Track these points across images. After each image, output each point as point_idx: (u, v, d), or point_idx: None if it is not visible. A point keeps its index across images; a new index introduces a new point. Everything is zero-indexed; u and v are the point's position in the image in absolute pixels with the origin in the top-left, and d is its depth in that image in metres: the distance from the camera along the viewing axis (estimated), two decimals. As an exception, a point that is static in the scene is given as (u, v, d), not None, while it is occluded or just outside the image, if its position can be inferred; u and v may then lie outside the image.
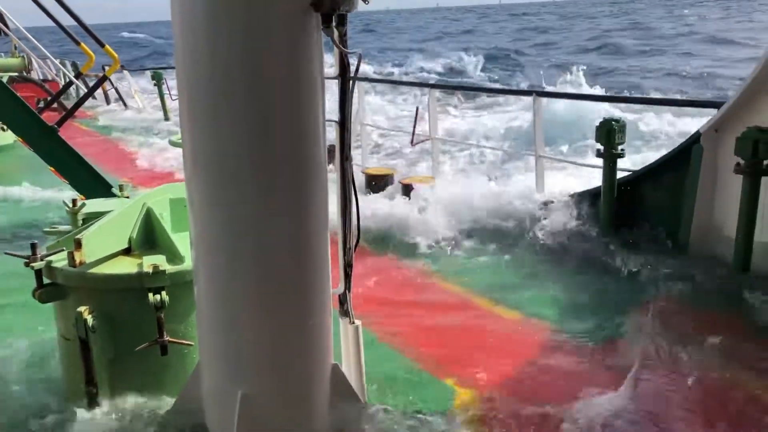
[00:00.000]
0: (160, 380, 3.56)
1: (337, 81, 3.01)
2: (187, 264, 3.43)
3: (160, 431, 3.33)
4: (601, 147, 6.06)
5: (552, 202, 6.74)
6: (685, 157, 5.85)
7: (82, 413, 3.57)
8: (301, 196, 2.87)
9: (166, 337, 3.37)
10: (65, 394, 3.83)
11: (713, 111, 5.66)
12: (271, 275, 2.91)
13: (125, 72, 21.07)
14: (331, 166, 3.05)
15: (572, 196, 6.69)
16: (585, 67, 22.11)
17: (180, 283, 3.40)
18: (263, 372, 2.99)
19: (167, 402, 3.43)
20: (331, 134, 3.05)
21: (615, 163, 6.08)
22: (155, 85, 17.99)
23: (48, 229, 4.05)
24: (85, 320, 3.31)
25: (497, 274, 5.93)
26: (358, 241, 3.37)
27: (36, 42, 10.88)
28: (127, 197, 4.34)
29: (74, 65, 20.77)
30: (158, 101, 18.75)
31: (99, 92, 18.73)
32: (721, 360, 4.15)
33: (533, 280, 5.72)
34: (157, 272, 3.32)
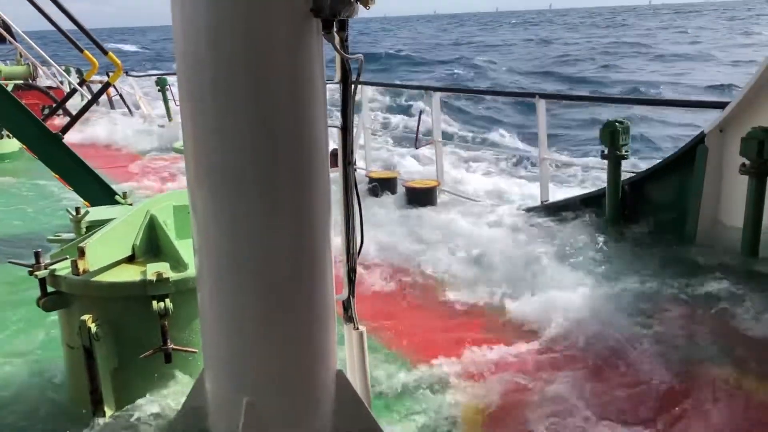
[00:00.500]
0: (164, 388, 3.56)
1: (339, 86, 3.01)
2: (191, 271, 3.43)
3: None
4: (605, 148, 6.04)
5: (556, 204, 6.72)
6: (689, 158, 5.82)
7: (86, 421, 3.58)
8: (304, 201, 2.86)
9: (170, 345, 3.37)
10: (70, 402, 3.83)
11: (718, 111, 5.64)
12: (275, 282, 2.89)
13: (130, 78, 21.12)
14: (333, 170, 3.04)
15: (576, 198, 6.67)
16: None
17: (184, 291, 3.40)
18: (268, 379, 2.97)
19: (172, 409, 3.42)
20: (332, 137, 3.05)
21: (619, 164, 6.06)
22: (159, 90, 18.01)
23: (52, 237, 4.06)
24: (89, 328, 3.31)
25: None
26: (361, 247, 3.35)
27: (39, 50, 10.92)
28: (131, 204, 4.34)
29: (79, 72, 20.86)
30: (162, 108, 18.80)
31: (104, 98, 18.76)
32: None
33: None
34: (161, 280, 3.31)
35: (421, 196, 7.76)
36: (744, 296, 4.81)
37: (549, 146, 7.68)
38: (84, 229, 3.84)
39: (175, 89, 18.46)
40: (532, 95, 7.41)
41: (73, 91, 10.89)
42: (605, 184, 6.32)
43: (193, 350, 3.44)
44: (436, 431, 3.72)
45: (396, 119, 18.37)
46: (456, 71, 36.27)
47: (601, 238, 5.97)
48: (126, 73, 18.78)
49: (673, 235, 5.89)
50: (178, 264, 3.49)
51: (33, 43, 10.71)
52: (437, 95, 8.39)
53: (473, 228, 6.82)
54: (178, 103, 15.57)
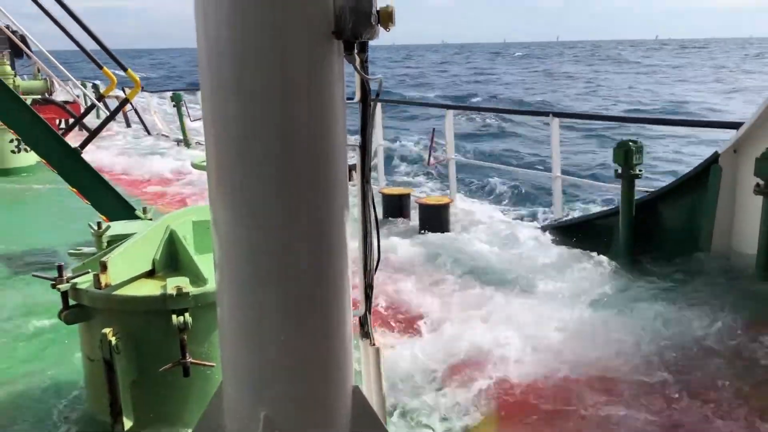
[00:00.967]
0: (182, 401, 3.60)
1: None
2: (210, 286, 3.48)
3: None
4: (618, 168, 6.07)
5: (570, 222, 6.74)
6: (703, 178, 5.84)
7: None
8: (323, 219, 2.91)
9: (189, 359, 3.42)
10: (90, 414, 3.88)
11: (732, 132, 5.66)
12: (294, 297, 2.94)
13: (146, 94, 21.39)
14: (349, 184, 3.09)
15: (590, 216, 6.70)
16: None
17: (203, 305, 3.44)
18: (286, 393, 3.01)
19: (190, 423, 3.45)
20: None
21: (633, 183, 6.08)
22: (174, 106, 18.21)
23: (72, 251, 4.12)
24: (110, 341, 3.36)
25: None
26: (378, 263, 3.39)
27: (58, 64, 11.09)
28: (151, 219, 4.41)
29: (95, 87, 21.13)
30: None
31: (119, 115, 18.97)
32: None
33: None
34: (181, 294, 3.36)
35: (434, 213, 7.79)
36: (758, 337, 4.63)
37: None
38: (105, 244, 3.91)
39: (190, 104, 18.70)
40: (546, 114, 7.46)
41: (92, 107, 11.05)
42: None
43: (211, 364, 3.48)
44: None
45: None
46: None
47: (612, 268, 5.95)
48: (142, 88, 19.02)
49: (685, 260, 5.88)
50: (197, 279, 3.54)
51: (52, 57, 10.87)
52: (451, 113, 8.47)
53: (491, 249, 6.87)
54: (192, 118, 15.78)
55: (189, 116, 18.55)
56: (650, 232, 6.26)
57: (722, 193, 5.61)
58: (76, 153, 7.24)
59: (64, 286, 3.49)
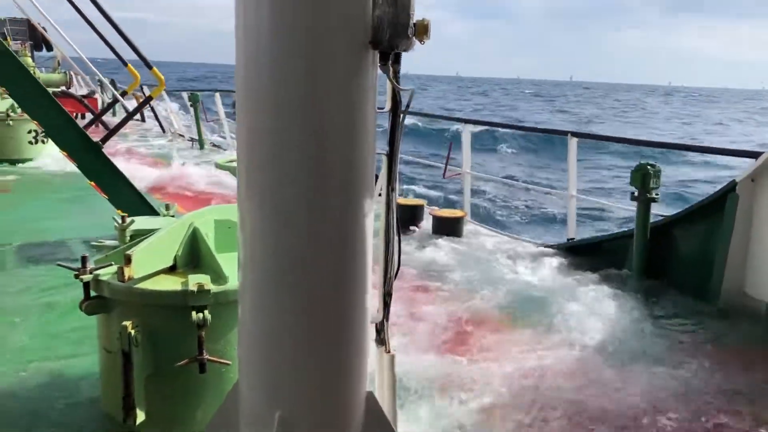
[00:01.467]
0: (197, 397, 3.63)
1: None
2: (231, 284, 3.52)
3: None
4: (635, 190, 6.10)
5: (582, 243, 6.76)
6: (719, 205, 5.86)
7: (117, 425, 3.66)
8: (349, 224, 2.95)
9: (206, 355, 3.45)
10: (103, 405, 3.92)
11: (750, 161, 5.69)
12: (315, 301, 2.98)
13: (164, 94, 21.56)
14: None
15: (602, 238, 6.72)
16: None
17: (222, 303, 3.48)
18: (302, 395, 3.04)
19: (203, 420, 3.49)
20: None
21: (649, 207, 6.11)
22: (191, 105, 18.34)
23: (95, 243, 4.18)
24: (129, 334, 3.40)
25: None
26: (398, 271, 3.43)
27: (83, 56, 11.21)
28: (173, 216, 4.46)
29: (112, 83, 21.30)
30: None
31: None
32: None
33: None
34: (202, 291, 3.41)
35: (447, 226, 7.83)
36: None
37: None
38: (128, 238, 3.96)
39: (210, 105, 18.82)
40: (564, 133, 7.50)
41: (114, 102, 11.16)
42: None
43: (227, 362, 3.52)
44: None
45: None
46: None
47: (620, 296, 5.92)
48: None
49: (695, 295, 5.87)
50: (218, 277, 3.58)
51: (76, 47, 10.96)
52: (468, 127, 8.53)
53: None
54: (208, 120, 15.85)
55: (205, 118, 18.69)
56: (664, 256, 6.27)
57: (738, 221, 5.62)
58: (97, 147, 7.31)
59: (86, 277, 3.54)
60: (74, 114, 15.60)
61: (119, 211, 6.89)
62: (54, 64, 23.44)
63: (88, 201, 9.75)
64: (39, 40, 21.58)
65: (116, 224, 4.01)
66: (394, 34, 2.73)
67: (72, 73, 22.88)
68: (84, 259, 3.56)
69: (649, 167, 5.95)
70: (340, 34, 2.76)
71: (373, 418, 3.24)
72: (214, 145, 18.44)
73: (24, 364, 4.58)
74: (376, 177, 3.24)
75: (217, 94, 17.73)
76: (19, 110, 14.15)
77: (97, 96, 23.75)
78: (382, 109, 3.20)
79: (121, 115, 20.99)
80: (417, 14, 2.80)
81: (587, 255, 7.03)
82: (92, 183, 7.48)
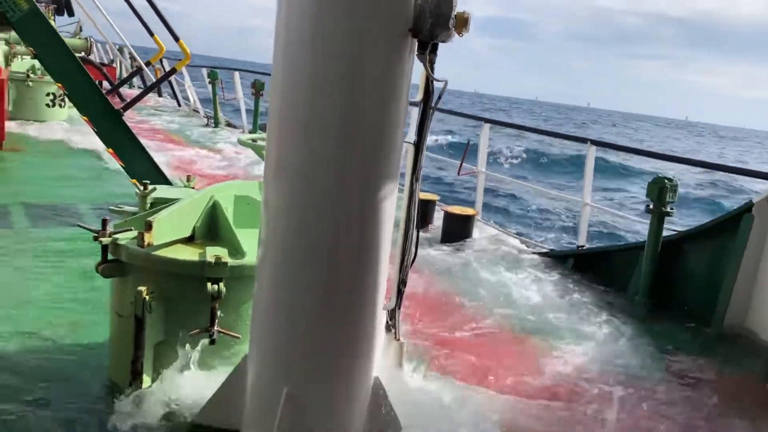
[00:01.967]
0: (204, 368, 3.67)
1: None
2: (248, 259, 3.55)
3: (198, 419, 3.43)
4: (650, 203, 6.10)
5: (591, 252, 6.77)
6: (733, 225, 5.85)
7: (123, 389, 3.70)
8: (372, 211, 2.98)
9: (217, 327, 3.49)
10: (110, 367, 3.96)
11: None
12: (332, 283, 3.01)
13: (184, 70, 21.56)
14: None
15: (613, 247, 6.72)
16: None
17: (238, 277, 3.52)
18: (310, 374, 3.08)
19: (209, 389, 3.52)
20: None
21: (662, 221, 6.11)
22: (210, 83, 18.35)
23: (114, 208, 4.21)
24: (144, 299, 3.44)
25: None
26: (414, 259, 3.46)
27: (112, 22, 11.23)
28: (193, 188, 4.49)
29: (132, 56, 21.30)
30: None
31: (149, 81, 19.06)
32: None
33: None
34: (219, 263, 3.44)
35: (458, 223, 7.85)
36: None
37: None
38: (148, 205, 3.99)
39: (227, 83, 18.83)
40: (584, 140, 7.50)
41: (137, 71, 11.21)
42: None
43: (237, 336, 3.55)
44: None
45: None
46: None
47: (623, 324, 5.89)
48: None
49: (698, 319, 5.84)
50: (235, 251, 3.61)
51: (104, 12, 10.95)
52: (487, 126, 8.54)
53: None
54: (225, 98, 15.83)
55: (223, 95, 18.71)
56: (672, 273, 6.27)
57: (751, 244, 5.61)
58: (117, 114, 7.36)
59: (106, 240, 3.57)
60: (93, 81, 15.66)
61: (133, 181, 6.94)
62: (75, 30, 23.47)
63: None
64: (62, 4, 21.60)
65: (138, 191, 4.04)
66: (435, 23, 2.74)
67: (93, 40, 22.93)
68: (104, 222, 3.60)
69: (666, 181, 5.95)
70: (382, 20, 2.78)
71: (379, 403, 3.27)
72: (229, 124, 18.47)
73: (30, 327, 4.61)
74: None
75: (236, 73, 17.74)
76: (39, 72, 14.22)
77: (115, 65, 23.83)
78: (414, 102, 3.23)
79: (137, 89, 21.07)
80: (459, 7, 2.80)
81: (595, 263, 7.04)
82: (110, 150, 7.53)
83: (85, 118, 7.45)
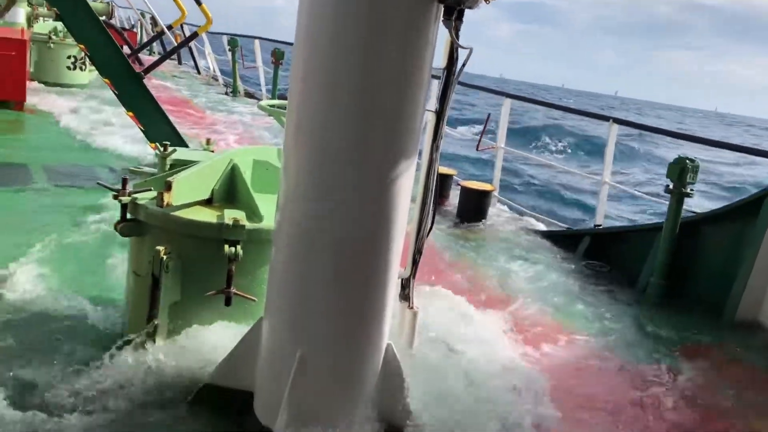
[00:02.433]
0: (218, 330, 3.71)
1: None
2: (265, 223, 3.57)
3: (211, 380, 3.47)
4: (670, 183, 6.03)
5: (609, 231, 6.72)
6: (753, 209, 5.78)
7: (139, 347, 3.75)
8: (391, 178, 2.96)
9: (233, 289, 3.52)
10: (126, 326, 4.01)
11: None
12: (349, 249, 3.02)
13: (204, 36, 21.50)
14: None
15: (630, 228, 6.66)
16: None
17: (255, 240, 3.54)
18: (324, 338, 3.10)
19: (224, 350, 3.57)
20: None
21: (682, 202, 6.04)
22: (230, 50, 18.29)
23: (133, 169, 4.24)
24: (162, 259, 3.47)
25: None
26: (431, 229, 3.46)
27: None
28: (213, 151, 4.50)
29: (152, 19, 21.24)
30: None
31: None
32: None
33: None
34: (237, 226, 3.46)
35: (475, 199, 7.82)
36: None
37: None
38: (168, 166, 4.01)
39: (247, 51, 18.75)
40: (606, 118, 7.42)
41: (158, 35, 11.19)
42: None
43: (253, 298, 3.58)
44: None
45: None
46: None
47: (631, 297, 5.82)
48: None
49: (712, 305, 5.79)
50: (253, 214, 3.63)
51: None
52: (509, 101, 8.46)
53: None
54: (245, 66, 15.73)
55: (242, 63, 18.65)
56: (689, 254, 6.21)
57: (771, 228, 5.55)
58: (138, 78, 7.37)
59: (125, 199, 3.60)
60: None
61: (153, 145, 6.97)
62: (98, -7, 23.49)
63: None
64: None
65: (157, 152, 4.05)
66: (462, -12, 2.71)
67: (114, 4, 22.91)
68: (124, 181, 3.62)
69: (688, 161, 5.87)
70: (408, -17, 2.74)
71: (390, 369, 3.30)
72: (248, 94, 18.45)
73: (47, 283, 4.68)
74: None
75: (257, 41, 17.67)
76: (60, 34, 14.23)
77: (136, 30, 23.81)
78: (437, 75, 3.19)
79: (158, 55, 21.00)
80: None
81: (612, 243, 7.00)
82: (130, 114, 7.56)
83: (107, 80, 7.48)
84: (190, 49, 21.64)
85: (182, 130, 7.83)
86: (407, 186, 3.06)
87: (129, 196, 3.63)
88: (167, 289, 3.58)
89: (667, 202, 6.17)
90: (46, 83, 14.16)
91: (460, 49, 3.01)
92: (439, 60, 3.23)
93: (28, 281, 4.64)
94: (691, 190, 6.02)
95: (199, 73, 22.21)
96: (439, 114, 3.16)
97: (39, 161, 7.97)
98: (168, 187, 3.44)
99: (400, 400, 3.33)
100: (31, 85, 12.93)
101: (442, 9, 2.80)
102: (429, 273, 5.39)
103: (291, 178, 3.03)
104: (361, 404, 3.24)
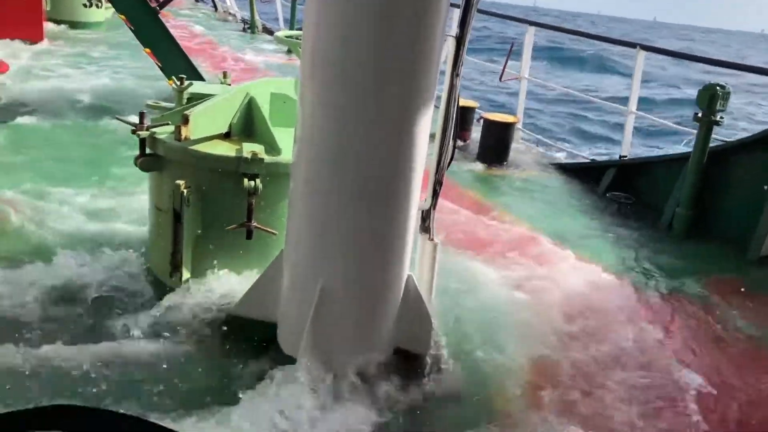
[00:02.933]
0: (241, 263, 3.74)
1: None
2: (283, 157, 3.54)
3: (234, 311, 3.52)
4: (699, 111, 5.85)
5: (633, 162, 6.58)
6: None
7: (164, 281, 3.81)
8: (410, 108, 2.90)
9: (254, 223, 3.52)
10: (149, 261, 4.06)
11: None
12: (368, 179, 2.99)
13: None
14: None
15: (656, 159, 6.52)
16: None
17: (273, 174, 3.52)
18: (345, 269, 3.11)
19: (245, 283, 3.60)
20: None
21: (711, 130, 5.87)
22: (247, -17, 17.88)
23: (151, 103, 4.20)
24: (182, 193, 3.47)
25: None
26: (451, 160, 3.40)
27: None
28: (230, 84, 4.45)
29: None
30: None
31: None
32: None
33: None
34: (255, 159, 3.43)
35: (498, 131, 7.69)
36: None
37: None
38: (185, 100, 3.97)
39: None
40: (633, 45, 7.17)
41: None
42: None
43: (274, 232, 3.58)
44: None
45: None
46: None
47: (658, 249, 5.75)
48: None
49: (737, 240, 5.68)
50: (271, 148, 3.60)
51: None
52: (532, 29, 8.21)
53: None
54: (262, 0, 15.33)
55: (260, -1, 18.27)
56: (717, 184, 6.08)
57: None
58: (154, 12, 7.26)
59: (143, 134, 3.58)
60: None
61: (170, 82, 6.91)
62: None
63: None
64: None
65: (174, 85, 4.01)
66: None
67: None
68: (142, 116, 3.60)
69: (718, 88, 5.67)
70: None
71: (411, 299, 3.31)
72: (266, 30, 18.14)
73: (72, 219, 4.74)
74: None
75: None
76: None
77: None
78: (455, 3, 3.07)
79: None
80: None
81: (637, 174, 6.88)
82: (147, 50, 7.48)
83: (122, 16, 7.38)
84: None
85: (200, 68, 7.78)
86: (427, 116, 3.00)
87: (147, 130, 3.61)
88: (189, 223, 3.60)
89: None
90: (61, 22, 14.02)
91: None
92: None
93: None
94: (721, 117, 5.84)
95: (216, 9, 21.84)
96: (460, 39, 3.05)
97: None
98: (185, 120, 3.41)
99: (422, 329, 3.35)
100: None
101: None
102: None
103: (307, 110, 2.98)
104: (383, 333, 3.28)
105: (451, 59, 3.14)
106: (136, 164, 3.69)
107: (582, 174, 7.40)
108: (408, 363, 3.35)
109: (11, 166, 5.66)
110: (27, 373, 3.09)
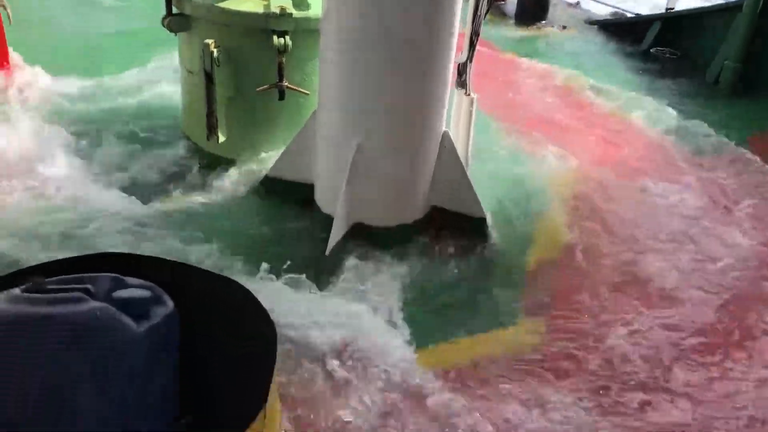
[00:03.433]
0: (274, 125, 3.72)
1: None
2: (313, 12, 3.40)
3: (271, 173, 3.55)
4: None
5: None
6: None
7: (197, 143, 3.83)
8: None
9: (286, 83, 3.46)
10: (183, 126, 4.06)
11: None
12: (401, 33, 2.87)
13: None
14: None
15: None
16: None
17: (304, 30, 3.41)
18: (380, 126, 3.06)
19: (277, 147, 3.60)
20: None
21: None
22: None
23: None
24: (212, 53, 3.39)
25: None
26: (488, 10, 3.24)
27: None
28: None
29: None
30: None
31: None
32: None
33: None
34: (284, 14, 3.32)
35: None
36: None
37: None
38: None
39: None
40: None
41: None
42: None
43: (306, 92, 3.53)
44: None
45: None
46: None
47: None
48: None
49: None
50: (300, 3, 3.46)
51: None
52: None
53: None
54: None
55: None
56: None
57: None
58: None
59: (169, -9, 3.47)
60: None
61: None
62: None
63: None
64: None
65: (196, -60, 3.81)
66: None
67: None
68: (166, -27, 3.46)
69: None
70: None
71: (447, 155, 3.27)
72: None
73: (105, 88, 4.73)
74: None
75: None
76: None
77: None
78: None
79: None
80: None
81: (685, 27, 6.51)
82: None
83: None
84: None
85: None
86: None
87: (173, -12, 3.49)
88: (221, 85, 3.54)
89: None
90: None
91: None
92: None
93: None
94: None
95: None
96: None
97: None
98: (210, -25, 3.27)
99: (460, 186, 3.34)
100: None
101: None
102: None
103: None
104: (420, 189, 3.28)
105: None
106: (163, 24, 3.60)
107: (625, 31, 7.04)
108: (444, 220, 3.38)
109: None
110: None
